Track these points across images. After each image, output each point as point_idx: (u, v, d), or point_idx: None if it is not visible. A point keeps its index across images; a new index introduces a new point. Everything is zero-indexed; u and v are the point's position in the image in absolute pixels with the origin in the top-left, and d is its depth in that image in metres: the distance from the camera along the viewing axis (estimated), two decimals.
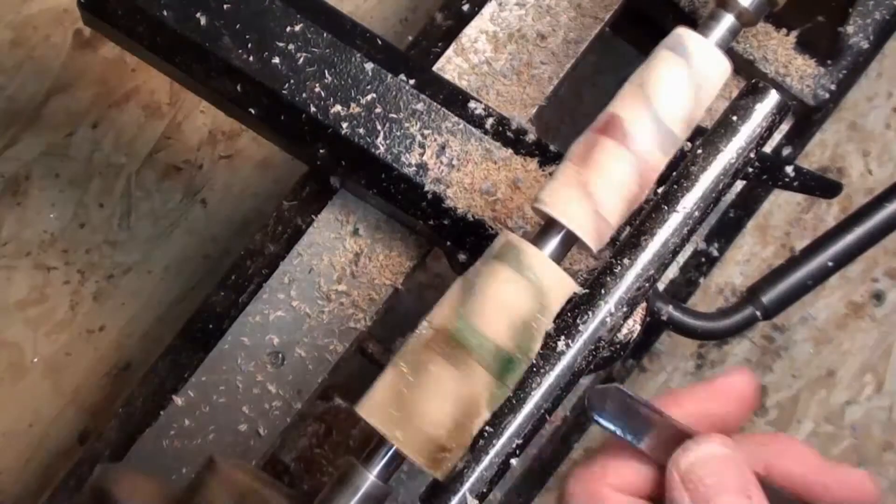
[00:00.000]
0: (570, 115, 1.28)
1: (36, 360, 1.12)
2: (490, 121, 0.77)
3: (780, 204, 1.33)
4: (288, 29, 0.75)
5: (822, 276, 0.79)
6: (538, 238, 0.60)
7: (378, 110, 0.76)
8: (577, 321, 0.59)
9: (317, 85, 0.75)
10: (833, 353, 1.30)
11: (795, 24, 0.92)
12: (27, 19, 1.10)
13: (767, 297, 0.78)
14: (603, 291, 0.60)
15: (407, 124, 0.76)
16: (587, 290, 0.60)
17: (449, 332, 0.57)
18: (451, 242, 0.78)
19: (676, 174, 0.62)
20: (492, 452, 0.58)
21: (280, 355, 0.82)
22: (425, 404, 0.57)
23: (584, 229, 0.59)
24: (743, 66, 0.93)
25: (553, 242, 0.59)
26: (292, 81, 0.75)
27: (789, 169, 0.83)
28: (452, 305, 0.58)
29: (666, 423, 0.57)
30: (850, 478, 0.58)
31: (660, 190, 0.62)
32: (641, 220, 0.61)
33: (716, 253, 0.98)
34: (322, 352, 0.83)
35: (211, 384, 0.82)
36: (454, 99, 0.78)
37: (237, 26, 0.74)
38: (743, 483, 0.53)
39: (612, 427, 0.57)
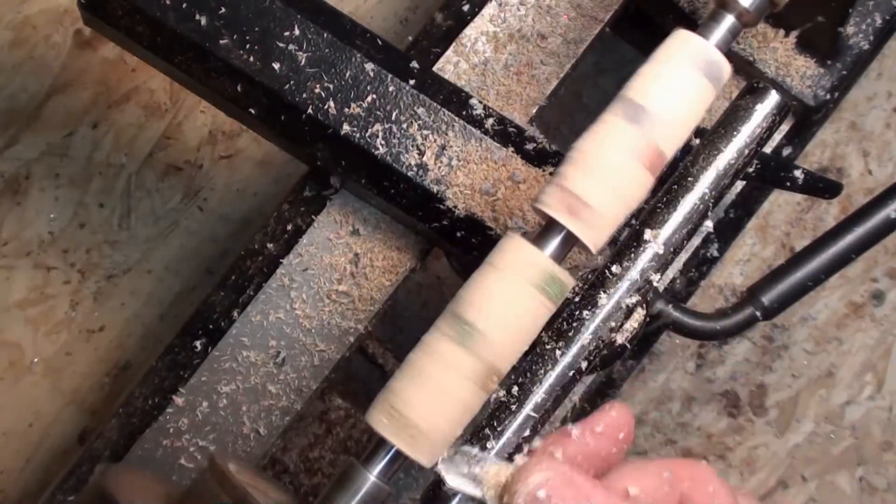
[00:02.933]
0: (570, 115, 1.28)
1: (36, 360, 1.12)
2: (490, 121, 0.77)
3: (780, 204, 1.33)
4: (288, 29, 0.75)
5: (822, 276, 0.79)
6: (538, 238, 0.60)
7: (378, 111, 0.76)
8: (578, 321, 0.59)
9: (317, 85, 0.75)
10: (833, 353, 1.30)
11: (795, 24, 0.92)
12: (27, 19, 1.10)
13: (767, 297, 0.78)
14: (603, 292, 0.60)
15: (407, 125, 0.76)
16: (588, 290, 0.60)
17: (454, 336, 0.57)
18: (451, 242, 0.78)
19: (677, 174, 0.62)
20: (492, 453, 0.58)
21: (280, 355, 0.82)
22: (429, 406, 0.57)
23: (583, 230, 0.59)
24: (743, 66, 0.93)
25: (553, 243, 0.59)
26: (292, 82, 0.75)
27: (797, 172, 0.83)
28: (458, 310, 0.58)
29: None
30: None
31: (660, 190, 0.62)
32: (641, 221, 0.61)
33: (716, 253, 0.98)
34: (322, 352, 0.83)
35: (211, 384, 0.82)
36: (454, 99, 0.78)
37: (237, 26, 0.74)
38: (578, 494, 0.53)
39: (463, 488, 0.57)
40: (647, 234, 0.60)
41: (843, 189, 0.87)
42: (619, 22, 0.93)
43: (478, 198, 0.76)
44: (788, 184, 0.85)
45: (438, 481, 0.58)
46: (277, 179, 1.20)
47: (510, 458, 0.58)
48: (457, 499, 0.57)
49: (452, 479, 0.56)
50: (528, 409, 0.58)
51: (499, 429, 0.58)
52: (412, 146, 0.76)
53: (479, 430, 0.59)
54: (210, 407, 0.81)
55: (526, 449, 0.58)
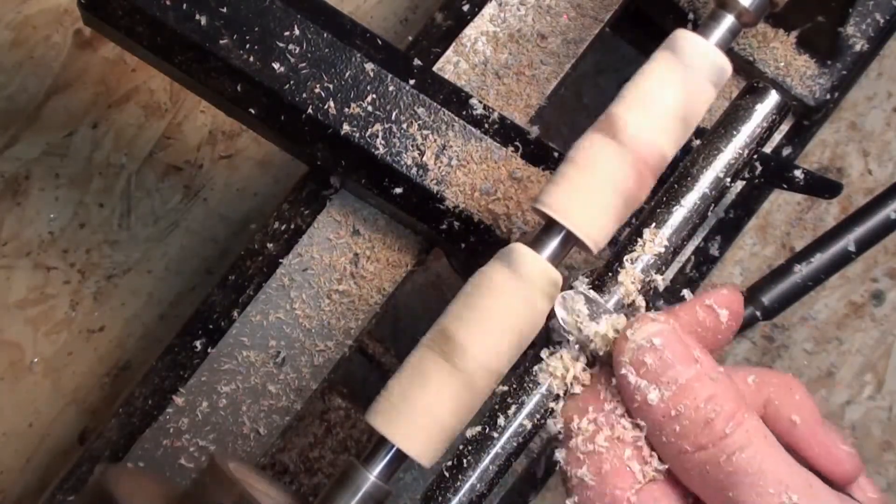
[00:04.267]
0: (570, 115, 1.28)
1: (36, 360, 1.12)
2: (490, 120, 0.77)
3: (780, 204, 1.33)
4: (288, 29, 0.75)
5: (821, 276, 0.79)
6: (538, 238, 0.60)
7: (378, 110, 0.76)
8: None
9: (317, 85, 0.75)
10: (833, 352, 1.30)
11: (795, 24, 0.92)
12: (27, 19, 1.10)
13: (767, 297, 0.78)
14: (603, 292, 0.59)
15: (407, 124, 0.76)
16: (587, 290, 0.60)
17: (454, 336, 0.57)
18: (451, 242, 0.78)
19: (677, 174, 0.62)
20: (492, 452, 0.58)
21: (280, 355, 0.82)
22: (429, 405, 0.57)
23: (583, 230, 0.59)
24: (743, 66, 0.93)
25: (553, 243, 0.59)
26: (292, 81, 0.75)
27: (798, 172, 0.83)
28: (458, 311, 0.58)
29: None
30: (835, 450, 0.59)
31: (660, 190, 0.62)
32: (642, 221, 0.61)
33: (716, 253, 0.98)
34: (322, 352, 0.83)
35: (211, 384, 0.82)
36: (454, 99, 0.78)
37: (237, 26, 0.74)
38: (687, 353, 0.54)
39: (567, 324, 0.58)
40: (647, 233, 0.60)
41: (843, 189, 0.87)
42: (619, 22, 0.93)
43: (478, 198, 0.76)
44: (788, 184, 0.85)
45: (439, 481, 0.58)
46: (277, 179, 1.20)
47: (517, 453, 0.58)
48: (457, 498, 0.57)
49: (565, 318, 0.57)
50: (527, 408, 0.58)
51: (499, 428, 0.58)
52: (412, 146, 0.76)
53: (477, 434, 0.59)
54: (210, 407, 0.81)
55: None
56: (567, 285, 0.59)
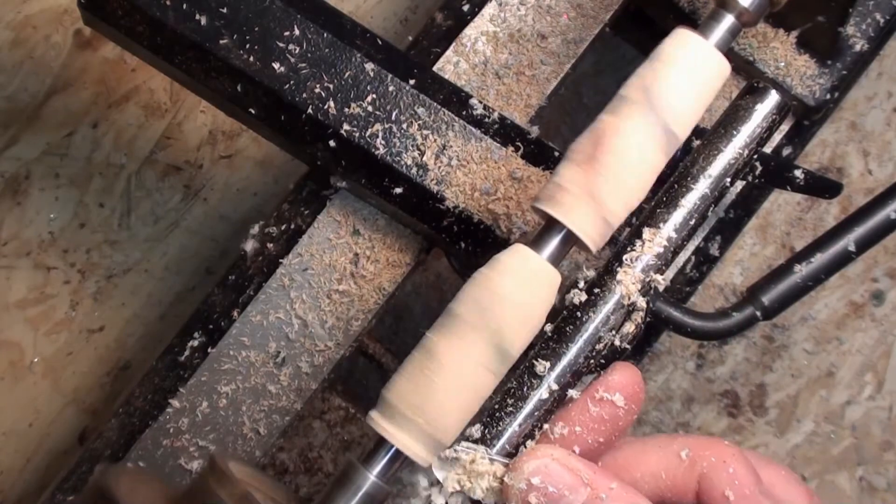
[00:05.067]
0: (570, 115, 1.28)
1: (36, 360, 1.12)
2: (490, 120, 0.77)
3: (780, 204, 1.33)
4: (288, 29, 0.75)
5: (822, 276, 0.79)
6: (538, 238, 0.60)
7: (378, 110, 0.76)
8: (578, 321, 0.59)
9: (317, 85, 0.75)
10: (833, 352, 1.30)
11: (795, 24, 0.92)
12: (27, 19, 1.10)
13: (767, 297, 0.78)
14: (603, 291, 0.60)
15: (407, 125, 0.76)
16: (587, 290, 0.60)
17: (452, 336, 0.57)
18: (452, 242, 0.78)
19: (677, 174, 0.62)
20: (492, 453, 0.58)
21: (280, 355, 0.82)
22: (429, 405, 0.57)
23: (583, 229, 0.59)
24: (743, 66, 0.93)
25: (553, 242, 0.59)
26: (292, 81, 0.75)
27: (798, 172, 0.83)
28: (457, 310, 0.58)
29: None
30: None
31: (660, 190, 0.62)
32: (642, 221, 0.61)
33: (716, 253, 0.98)
34: (322, 352, 0.83)
35: (211, 384, 0.82)
36: (454, 99, 0.78)
37: (237, 26, 0.75)
38: (573, 479, 0.53)
39: (460, 488, 0.57)
40: (647, 233, 0.60)
41: (843, 189, 0.87)
42: (619, 22, 0.93)
43: (478, 198, 0.76)
44: (788, 184, 0.85)
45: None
46: (277, 179, 1.20)
47: (510, 456, 0.58)
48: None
49: (449, 481, 0.57)
50: (527, 409, 0.58)
51: (500, 429, 0.58)
52: (412, 146, 0.76)
53: (477, 433, 0.59)
54: (210, 407, 0.81)
55: (536, 436, 0.58)
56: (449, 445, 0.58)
